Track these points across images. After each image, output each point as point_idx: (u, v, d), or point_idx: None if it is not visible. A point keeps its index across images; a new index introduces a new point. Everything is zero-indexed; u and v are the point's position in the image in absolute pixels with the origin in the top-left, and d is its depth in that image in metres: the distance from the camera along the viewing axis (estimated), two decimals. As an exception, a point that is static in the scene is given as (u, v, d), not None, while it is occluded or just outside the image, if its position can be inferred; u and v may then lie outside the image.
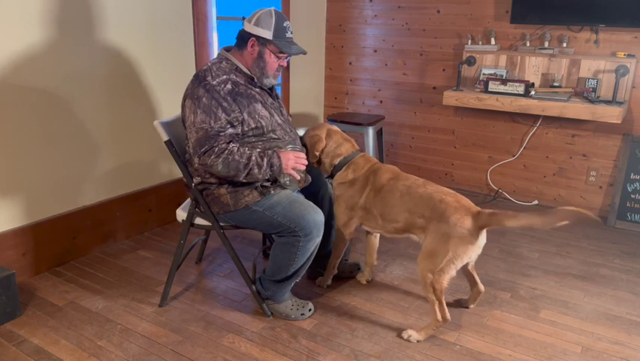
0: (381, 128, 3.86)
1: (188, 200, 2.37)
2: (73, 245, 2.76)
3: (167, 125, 2.22)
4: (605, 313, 2.41)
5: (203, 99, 2.03)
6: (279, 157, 2.08)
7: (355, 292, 2.54)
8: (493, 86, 3.40)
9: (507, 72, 3.56)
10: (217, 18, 3.36)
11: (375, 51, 4.20)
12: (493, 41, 3.63)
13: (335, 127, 2.41)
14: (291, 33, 2.17)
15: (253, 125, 2.10)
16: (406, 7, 3.98)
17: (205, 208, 2.21)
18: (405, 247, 3.03)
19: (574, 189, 3.65)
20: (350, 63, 4.34)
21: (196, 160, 2.06)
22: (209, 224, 2.27)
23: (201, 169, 2.14)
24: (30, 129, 2.48)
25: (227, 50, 2.22)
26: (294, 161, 2.12)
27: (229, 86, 2.08)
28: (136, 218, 3.07)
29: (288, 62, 2.26)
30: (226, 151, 2.02)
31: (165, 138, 2.18)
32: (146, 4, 2.88)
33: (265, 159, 2.06)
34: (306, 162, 2.20)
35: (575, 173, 3.62)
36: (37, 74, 2.45)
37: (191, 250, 2.61)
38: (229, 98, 2.05)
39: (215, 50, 3.36)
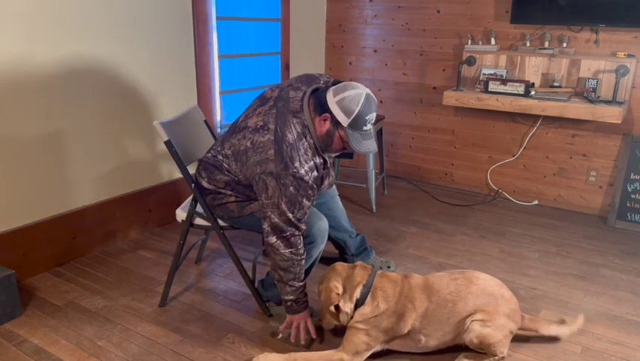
0: (381, 128, 3.86)
1: (188, 200, 2.37)
2: (73, 245, 2.76)
3: (167, 126, 2.21)
4: (605, 313, 2.41)
5: (291, 188, 1.94)
6: (299, 312, 2.09)
7: (355, 292, 2.54)
8: (493, 86, 3.40)
9: (507, 72, 3.56)
10: (217, 18, 3.36)
11: (375, 51, 4.20)
12: (493, 41, 3.63)
13: (337, 265, 2.12)
14: (371, 124, 2.01)
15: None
16: (405, 7, 3.98)
17: (205, 208, 2.21)
18: (405, 247, 3.03)
19: (574, 189, 3.65)
20: (350, 63, 4.34)
21: (273, 239, 1.99)
22: (209, 224, 2.27)
23: (220, 182, 2.12)
24: (30, 129, 2.48)
25: (309, 102, 2.04)
26: (302, 325, 2.10)
27: (315, 173, 2.01)
28: (136, 218, 3.07)
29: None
30: (298, 256, 2.01)
31: (165, 138, 2.18)
32: (146, 4, 2.88)
33: (294, 303, 2.07)
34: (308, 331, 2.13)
35: (575, 173, 3.62)
36: (37, 74, 2.46)
37: (191, 250, 2.61)
38: (315, 186, 2.01)
39: (215, 51, 3.36)
